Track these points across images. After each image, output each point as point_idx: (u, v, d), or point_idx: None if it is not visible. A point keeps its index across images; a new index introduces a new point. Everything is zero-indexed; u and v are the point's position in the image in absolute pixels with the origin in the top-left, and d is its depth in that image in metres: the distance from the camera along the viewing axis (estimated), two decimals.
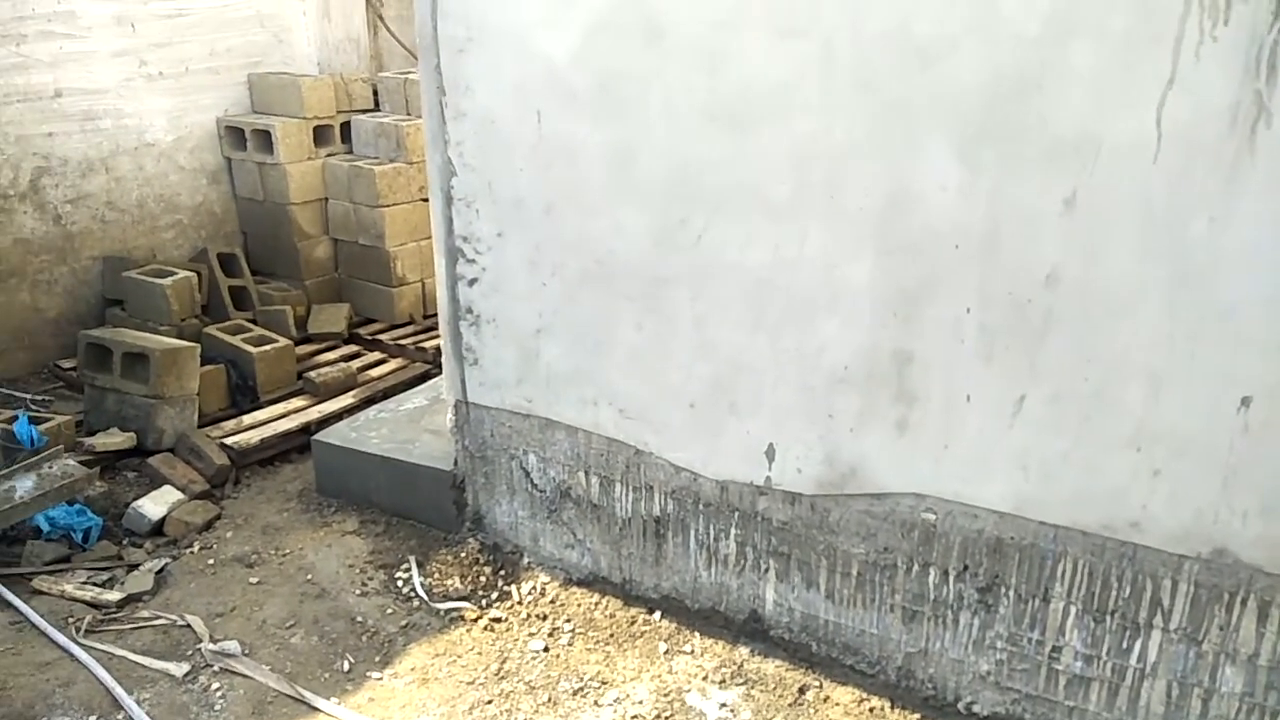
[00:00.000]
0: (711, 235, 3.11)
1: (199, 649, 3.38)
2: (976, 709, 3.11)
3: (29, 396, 5.11)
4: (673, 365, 3.34)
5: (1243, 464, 2.48)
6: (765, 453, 3.24)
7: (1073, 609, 2.86)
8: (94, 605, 3.60)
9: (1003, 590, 2.95)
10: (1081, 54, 2.40)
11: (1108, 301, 2.53)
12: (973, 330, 2.74)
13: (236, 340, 5.29)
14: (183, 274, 5.49)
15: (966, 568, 2.99)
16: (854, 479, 3.10)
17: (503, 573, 3.91)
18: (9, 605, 3.53)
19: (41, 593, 3.65)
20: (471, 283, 3.69)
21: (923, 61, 2.62)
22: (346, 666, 3.36)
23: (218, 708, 3.12)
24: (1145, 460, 2.60)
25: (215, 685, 3.21)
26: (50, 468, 3.94)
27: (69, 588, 3.66)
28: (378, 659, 3.41)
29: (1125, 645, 2.80)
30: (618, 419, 3.53)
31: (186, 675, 3.25)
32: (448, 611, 3.67)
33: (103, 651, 3.32)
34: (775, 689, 3.28)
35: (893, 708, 3.20)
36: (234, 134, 6.18)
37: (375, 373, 5.64)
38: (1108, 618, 2.80)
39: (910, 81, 2.65)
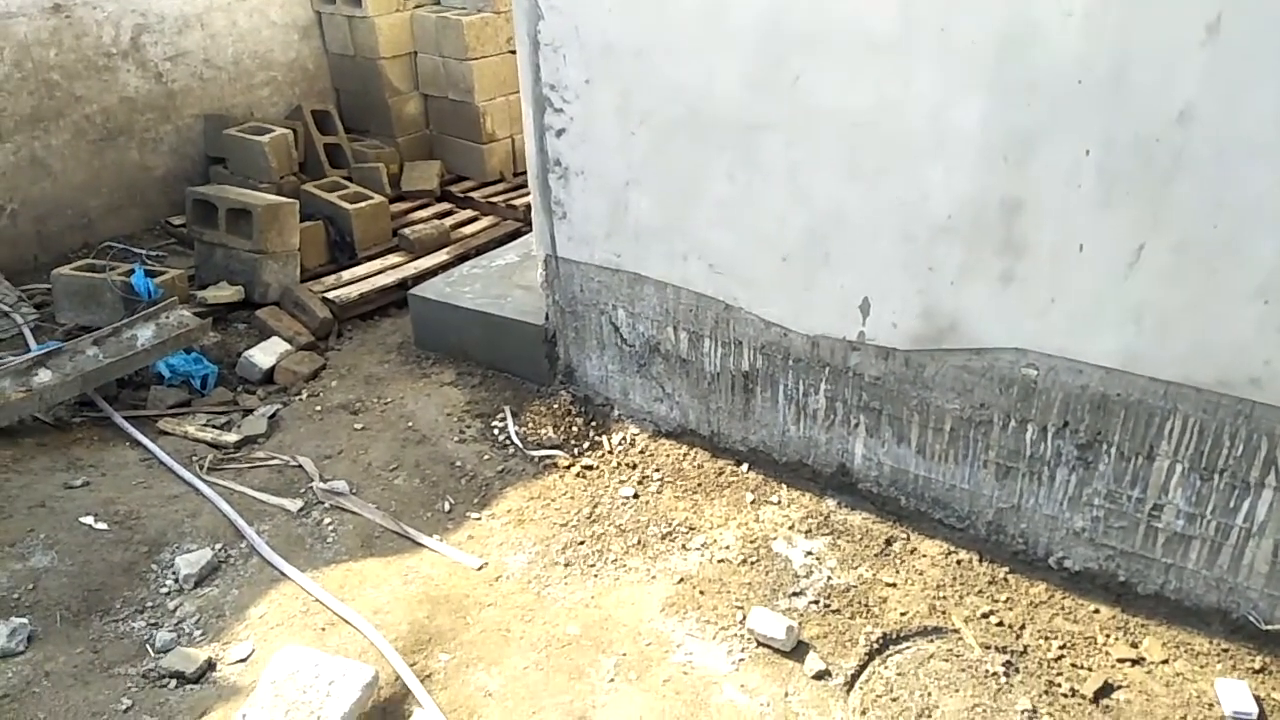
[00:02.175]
0: (809, 77, 2.95)
1: (310, 487, 3.59)
2: (1068, 564, 3.09)
3: (144, 251, 5.34)
4: (765, 217, 3.24)
5: None
6: (859, 307, 3.16)
7: (1178, 467, 2.76)
8: (214, 445, 3.84)
9: (1104, 447, 2.87)
10: None
11: (1247, 142, 2.31)
12: (1091, 174, 2.56)
13: (334, 197, 5.38)
14: (280, 131, 5.56)
15: (1067, 424, 2.91)
16: (952, 334, 3.01)
17: (593, 424, 3.99)
18: (138, 444, 3.80)
19: (166, 433, 3.91)
20: (559, 133, 3.62)
21: None
22: (447, 507, 3.53)
23: (329, 540, 3.33)
24: (1273, 313, 2.44)
25: (327, 520, 3.43)
26: (167, 318, 4.14)
27: (191, 429, 3.91)
28: (476, 500, 3.57)
29: (1232, 504, 2.71)
30: (707, 273, 3.48)
31: (300, 510, 3.47)
32: (541, 458, 3.79)
33: (224, 487, 3.56)
34: (861, 539, 3.32)
35: (980, 560, 3.20)
36: None
37: (467, 230, 5.69)
38: (1216, 476, 2.70)
39: None
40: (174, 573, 3.10)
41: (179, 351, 4.21)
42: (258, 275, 4.82)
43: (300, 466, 3.71)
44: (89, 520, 3.29)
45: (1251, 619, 2.81)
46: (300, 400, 4.22)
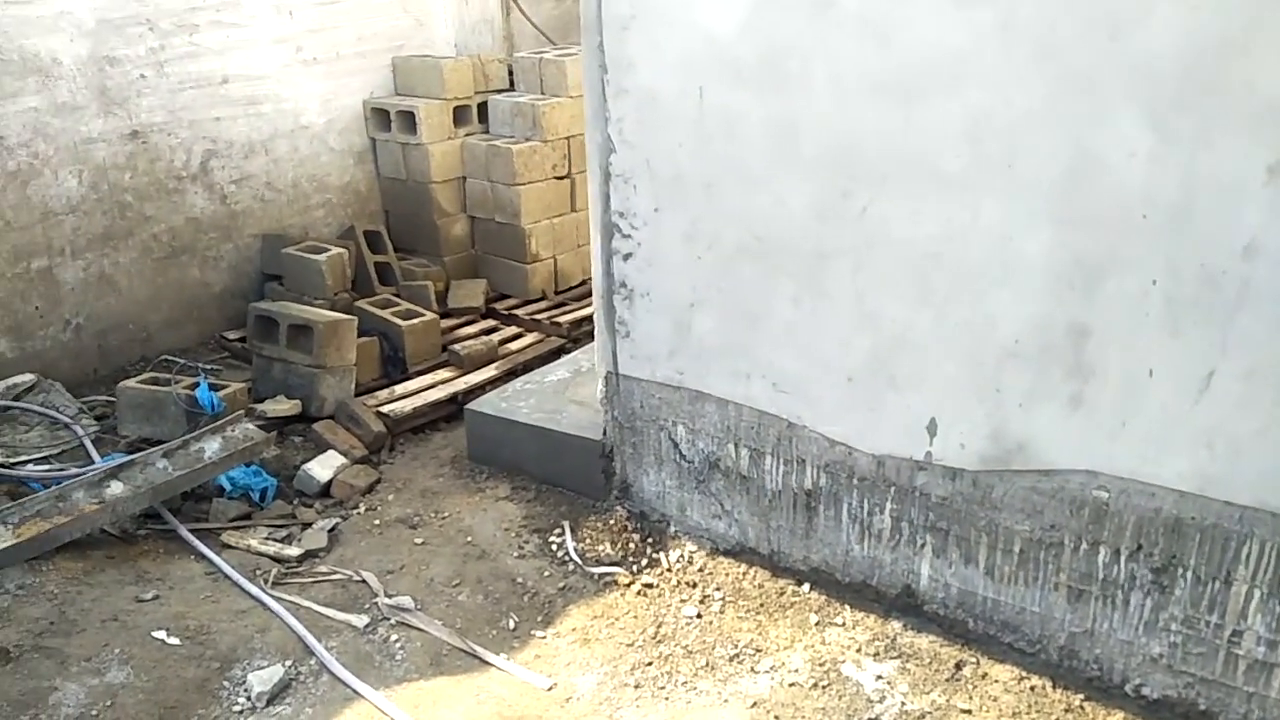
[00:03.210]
0: (877, 208, 3.10)
1: (375, 603, 3.59)
2: (1146, 692, 3.05)
3: (201, 365, 5.46)
4: (830, 339, 3.35)
5: None
6: (926, 427, 3.23)
7: (1256, 592, 2.77)
8: (276, 559, 3.86)
9: (1179, 571, 2.88)
10: None
11: None
12: (1158, 303, 2.67)
13: (386, 314, 5.54)
14: (336, 250, 5.78)
15: (1140, 547, 2.93)
16: (1021, 455, 3.06)
17: (650, 540, 4.01)
18: (203, 558, 3.82)
19: (230, 546, 3.94)
20: (626, 257, 3.78)
21: (1113, 28, 2.55)
22: (512, 624, 3.52)
23: (398, 657, 3.32)
24: None
25: (394, 637, 3.42)
26: (233, 431, 4.23)
27: (254, 542, 3.94)
28: (540, 618, 3.56)
29: None
30: (771, 392, 3.56)
31: (367, 627, 3.46)
32: (601, 575, 3.79)
33: (290, 602, 3.56)
34: (931, 663, 3.29)
35: (1054, 687, 3.16)
36: (379, 115, 6.43)
37: (514, 346, 5.83)
38: None
39: (1097, 49, 2.59)
40: (246, 690, 3.08)
41: (241, 465, 4.27)
42: (315, 389, 4.93)
43: (364, 581, 3.71)
44: (161, 635, 3.29)
45: None
46: (358, 514, 4.25)
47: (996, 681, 3.20)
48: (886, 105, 2.99)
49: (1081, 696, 3.11)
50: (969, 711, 3.07)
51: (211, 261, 5.85)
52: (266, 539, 4.00)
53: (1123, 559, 2.97)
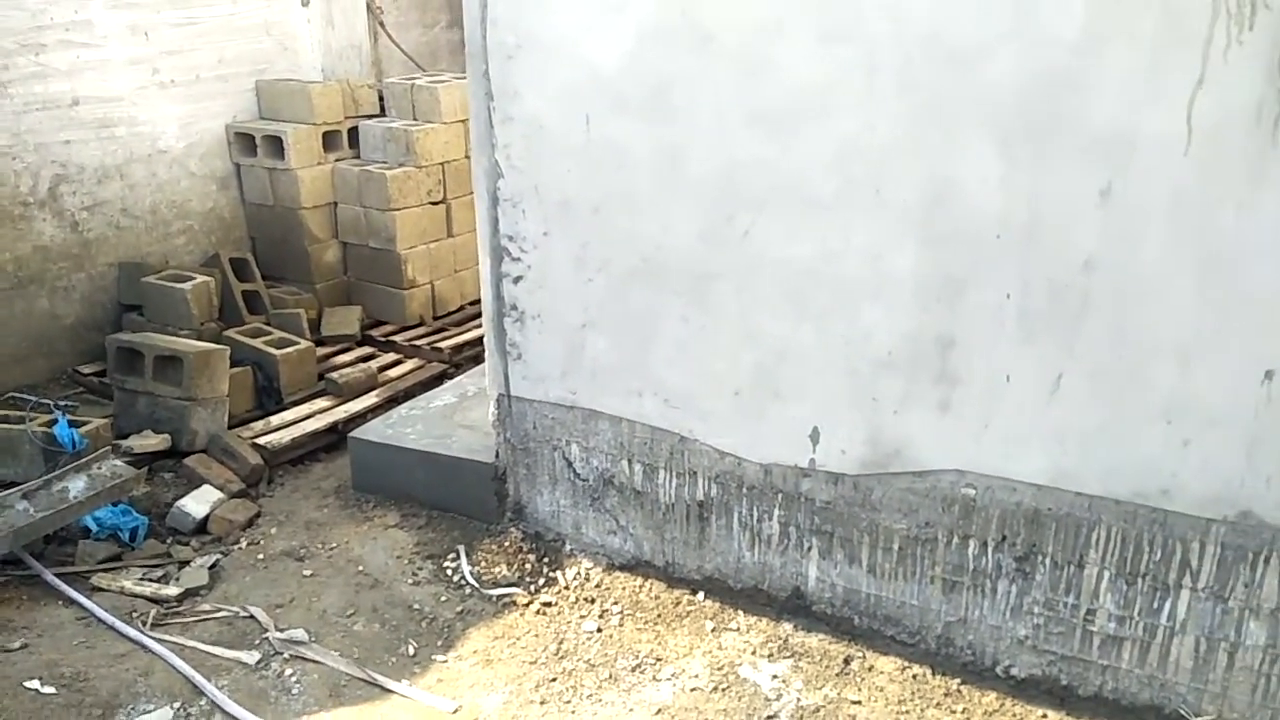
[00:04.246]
0: (758, 231, 3.29)
1: (266, 638, 3.48)
2: (1014, 672, 3.32)
3: (55, 401, 5.13)
4: (718, 355, 3.51)
5: (1266, 432, 2.71)
6: (810, 436, 3.42)
7: (1106, 573, 3.08)
8: (154, 600, 3.68)
9: (1039, 558, 3.16)
10: (1116, 56, 2.62)
11: (1141, 285, 2.75)
12: (1013, 314, 2.95)
13: (258, 343, 5.37)
14: (201, 278, 5.56)
15: (1005, 538, 3.20)
16: (897, 458, 3.29)
17: (546, 560, 4.05)
18: (73, 602, 3.60)
19: (100, 589, 3.73)
20: (516, 280, 3.83)
21: (964, 64, 2.82)
22: (411, 650, 3.48)
23: (295, 691, 3.23)
24: (1176, 431, 2.83)
25: (289, 671, 3.32)
26: (99, 468, 4.01)
27: (128, 583, 3.74)
28: (440, 643, 3.54)
29: (1156, 605, 3.03)
30: (662, 408, 3.69)
31: (259, 663, 3.35)
32: (499, 597, 3.80)
33: (173, 643, 3.41)
34: (821, 660, 3.47)
35: (934, 674, 3.39)
36: (243, 140, 6.24)
37: (394, 373, 5.75)
38: (1139, 580, 3.02)
39: (950, 80, 2.85)
40: None
41: (107, 504, 4.05)
42: (186, 423, 4.72)
43: (252, 617, 3.59)
44: (35, 684, 3.08)
45: (1182, 712, 3.08)
46: (240, 549, 4.10)
47: (882, 673, 3.40)
48: (764, 134, 3.18)
49: (958, 681, 3.35)
50: (859, 702, 3.26)
51: (62, 292, 5.52)
52: (141, 579, 3.81)
53: (990, 550, 3.24)
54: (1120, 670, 3.14)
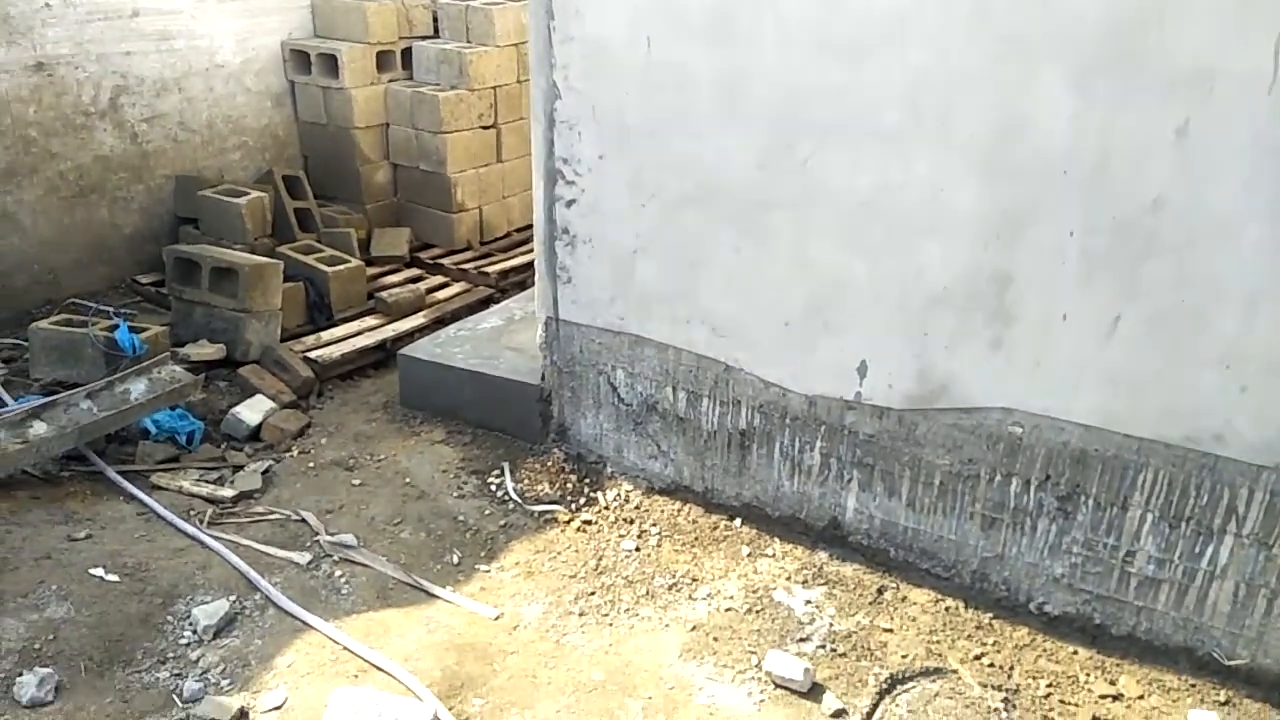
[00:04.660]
0: (817, 160, 3.26)
1: (317, 540, 3.61)
2: (1048, 609, 3.35)
3: (113, 309, 5.27)
4: (769, 286, 3.51)
5: None
6: (857, 369, 3.43)
7: (1149, 516, 3.08)
8: (210, 500, 3.82)
9: (1082, 499, 3.17)
10: None
11: (1211, 227, 2.70)
12: (1075, 253, 2.91)
13: (310, 259, 5.45)
14: (255, 194, 5.63)
15: (1049, 478, 3.20)
16: (944, 394, 3.29)
17: (588, 480, 4.13)
18: (133, 499, 3.75)
19: (159, 487, 3.87)
20: (570, 204, 3.84)
21: None
22: (456, 559, 3.59)
23: (344, 591, 3.35)
24: (1234, 377, 2.80)
25: (338, 572, 3.45)
26: (159, 373, 4.13)
27: (185, 484, 3.88)
28: (483, 554, 3.64)
29: (1198, 550, 3.03)
30: (710, 337, 3.71)
31: (310, 563, 3.48)
32: (541, 513, 3.90)
33: (229, 540, 3.54)
34: (855, 589, 3.52)
35: (966, 607, 3.44)
36: (299, 58, 6.25)
37: (441, 295, 5.82)
38: (1183, 524, 3.02)
39: (1029, 14, 2.78)
40: (192, 624, 3.07)
41: (166, 408, 4.18)
42: (240, 334, 4.83)
43: (303, 520, 3.72)
44: (99, 572, 3.23)
45: (1216, 656, 3.11)
46: (291, 457, 4.22)
47: (915, 604, 3.45)
48: (831, 61, 3.13)
49: (990, 615, 3.39)
50: (890, 630, 3.32)
51: (122, 202, 5.62)
52: (198, 480, 3.94)
53: (1032, 489, 3.25)
54: (1155, 612, 3.16)
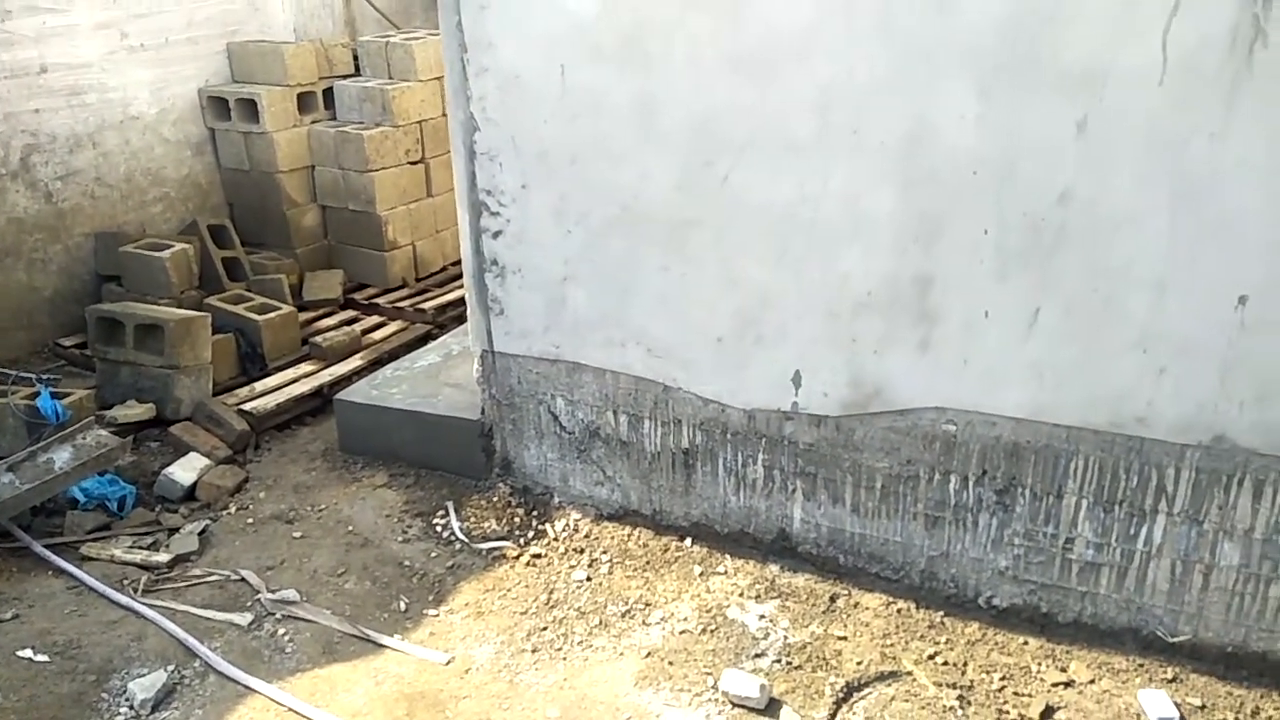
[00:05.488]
0: (737, 177, 3.28)
1: (258, 599, 3.51)
2: (996, 602, 3.39)
3: (37, 374, 5.11)
4: (699, 303, 3.52)
5: (1240, 357, 2.75)
6: (792, 379, 3.45)
7: (1084, 502, 3.13)
8: (145, 567, 3.70)
9: (1019, 490, 3.22)
10: None
11: (1116, 216, 2.77)
12: (990, 251, 2.97)
13: (240, 309, 5.34)
14: (180, 246, 5.51)
15: (985, 472, 3.25)
16: (878, 398, 3.32)
17: (535, 513, 4.08)
18: (63, 572, 3.62)
19: (90, 558, 3.74)
20: (496, 235, 3.82)
21: (942, 4, 2.80)
22: (403, 606, 3.52)
23: (288, 650, 3.26)
24: (1151, 360, 2.86)
25: (281, 631, 3.36)
26: (84, 439, 4.00)
27: (118, 552, 3.76)
28: (431, 598, 3.58)
29: (1133, 531, 3.09)
30: (645, 358, 3.70)
31: (251, 624, 3.38)
32: (489, 551, 3.84)
33: (165, 607, 3.43)
34: (808, 599, 3.52)
35: (918, 607, 3.46)
36: (217, 104, 6.16)
37: (377, 335, 5.75)
38: (1116, 507, 3.08)
39: (929, 23, 2.84)
40: (128, 699, 2.97)
41: (93, 474, 4.05)
42: (170, 391, 4.71)
43: (243, 580, 3.62)
44: (28, 653, 3.11)
45: (1160, 634, 3.16)
46: (229, 515, 4.12)
47: (867, 609, 3.47)
48: (742, 80, 3.16)
49: (941, 613, 3.42)
50: (844, 638, 3.32)
51: (39, 264, 5.47)
52: (131, 547, 3.82)
53: (970, 485, 3.29)
54: (1098, 596, 3.21)
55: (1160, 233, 2.73)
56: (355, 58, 6.45)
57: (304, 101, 6.20)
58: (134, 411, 4.63)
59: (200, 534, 3.95)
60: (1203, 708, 2.97)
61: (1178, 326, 2.79)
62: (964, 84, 2.84)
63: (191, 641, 3.24)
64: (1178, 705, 2.97)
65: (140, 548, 3.84)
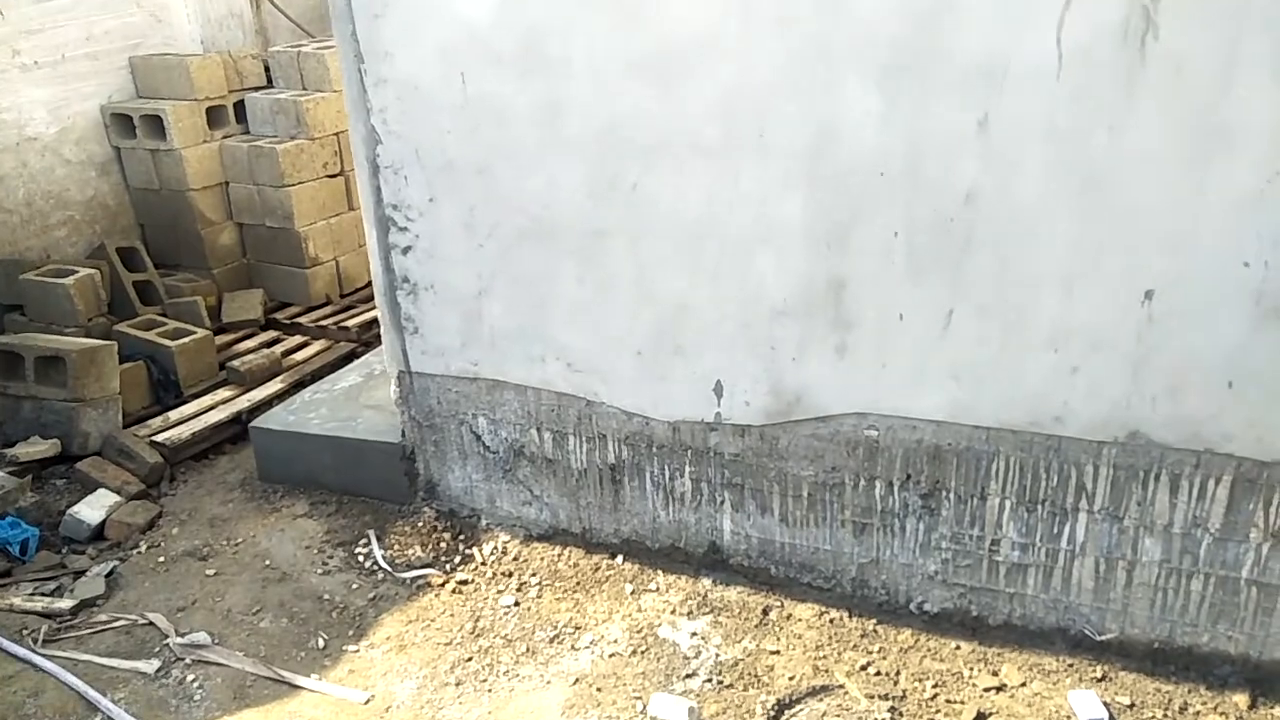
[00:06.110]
0: (645, 184, 3.19)
1: (166, 644, 3.35)
2: (927, 608, 3.35)
3: None
4: (616, 314, 3.42)
5: (1149, 352, 2.73)
6: (714, 390, 3.37)
7: (1007, 503, 3.10)
8: (47, 615, 3.51)
9: (943, 494, 3.17)
10: None
11: (1021, 214, 2.73)
12: (901, 252, 2.91)
13: (152, 335, 5.13)
14: (84, 271, 5.27)
15: (909, 477, 3.20)
16: (799, 405, 3.26)
17: (462, 537, 3.96)
18: None
19: None
20: (406, 251, 3.69)
21: (837, 1, 2.74)
22: (321, 643, 3.38)
23: (197, 698, 3.11)
24: (1063, 359, 2.84)
25: (190, 677, 3.20)
26: None
27: (17, 600, 3.56)
28: (351, 633, 3.44)
29: (1056, 530, 3.06)
30: (566, 373, 3.60)
31: (158, 671, 3.22)
32: (413, 580, 3.71)
33: (66, 659, 3.25)
34: (740, 613, 3.45)
35: (850, 616, 3.40)
36: (121, 121, 5.91)
37: (300, 356, 5.56)
38: (1039, 507, 3.05)
39: (827, 20, 2.77)
40: None
41: None
42: (75, 425, 4.50)
43: (151, 624, 3.45)
44: None
45: (1088, 633, 3.15)
46: (139, 553, 3.93)
47: (800, 620, 3.40)
48: (645, 84, 3.07)
49: (874, 621, 3.37)
50: (777, 652, 3.25)
51: None
52: (32, 594, 3.62)
53: (895, 490, 3.24)
54: (1026, 596, 3.19)
55: (1065, 229, 2.69)
56: (267, 69, 6.25)
57: (214, 116, 5.98)
58: (37, 449, 4.41)
59: (108, 576, 3.76)
60: (1131, 705, 2.96)
61: (1087, 324, 2.76)
62: (864, 82, 2.78)
63: (92, 694, 3.07)
64: (1107, 705, 2.95)
65: (42, 594, 3.65)
